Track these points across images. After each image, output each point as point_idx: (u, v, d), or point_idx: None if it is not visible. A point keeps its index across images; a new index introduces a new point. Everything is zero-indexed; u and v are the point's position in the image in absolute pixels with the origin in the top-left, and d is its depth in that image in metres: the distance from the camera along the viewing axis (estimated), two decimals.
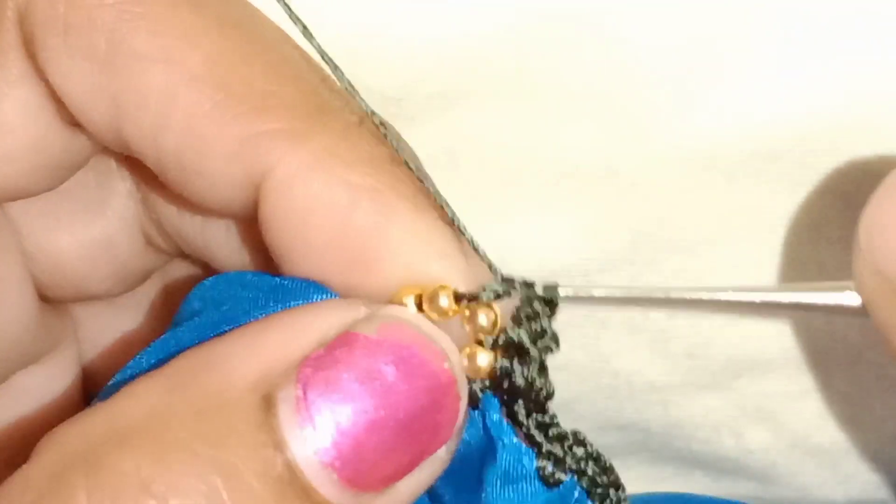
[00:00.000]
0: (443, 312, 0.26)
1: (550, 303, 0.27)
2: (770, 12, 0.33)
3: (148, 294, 0.35)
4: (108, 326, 0.35)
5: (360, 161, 0.26)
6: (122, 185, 0.32)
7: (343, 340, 0.24)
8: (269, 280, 0.27)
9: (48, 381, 0.33)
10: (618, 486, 0.28)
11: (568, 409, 0.38)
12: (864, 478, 0.39)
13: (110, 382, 0.28)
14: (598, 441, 0.38)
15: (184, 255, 0.33)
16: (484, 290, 0.26)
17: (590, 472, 0.27)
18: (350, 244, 0.26)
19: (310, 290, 0.26)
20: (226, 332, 0.25)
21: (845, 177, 0.34)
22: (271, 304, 0.27)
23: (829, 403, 0.38)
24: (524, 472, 0.27)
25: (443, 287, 0.26)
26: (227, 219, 0.30)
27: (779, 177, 0.35)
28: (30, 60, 0.28)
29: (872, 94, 0.33)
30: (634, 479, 0.39)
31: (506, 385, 0.27)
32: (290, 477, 0.23)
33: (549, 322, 0.27)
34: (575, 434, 0.27)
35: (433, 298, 0.26)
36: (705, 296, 0.27)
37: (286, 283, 0.27)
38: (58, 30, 0.27)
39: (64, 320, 0.34)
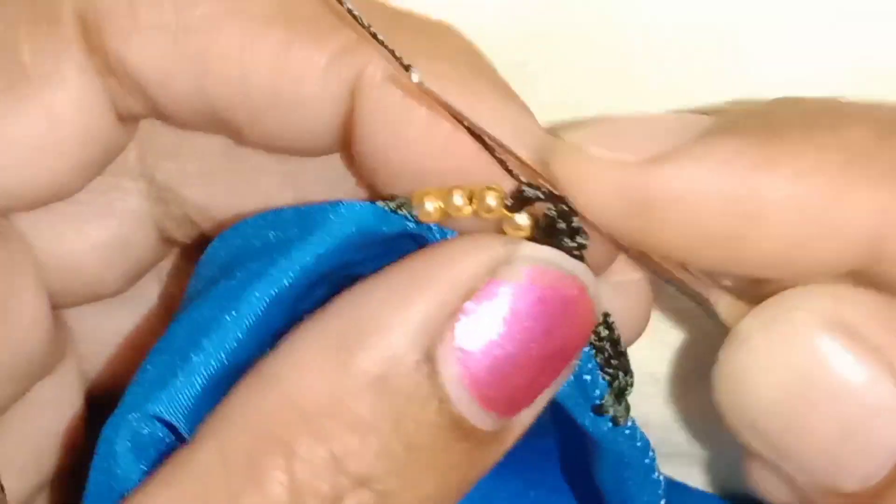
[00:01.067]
0: (487, 210, 0.27)
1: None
2: (768, 5, 0.33)
3: (139, 288, 0.34)
4: (105, 323, 0.35)
5: (439, 56, 0.28)
6: (132, 185, 0.32)
7: (491, 291, 0.25)
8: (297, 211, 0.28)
9: (59, 390, 0.33)
10: (627, 370, 0.29)
11: None
12: None
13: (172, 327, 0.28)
14: None
15: (200, 241, 0.33)
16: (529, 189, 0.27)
17: (606, 353, 0.29)
18: (442, 132, 0.27)
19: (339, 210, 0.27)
20: (365, 280, 0.26)
21: None
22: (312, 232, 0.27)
23: None
24: None
25: (490, 188, 0.27)
26: (269, 177, 0.31)
27: None
28: (89, 54, 0.29)
29: (877, 84, 0.33)
30: None
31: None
32: (456, 425, 0.25)
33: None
34: (606, 315, 0.29)
35: (481, 196, 0.27)
36: None
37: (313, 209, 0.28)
38: (124, 12, 0.28)
39: (62, 325, 0.34)
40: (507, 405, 0.26)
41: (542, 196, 0.27)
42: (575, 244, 0.28)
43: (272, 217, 0.29)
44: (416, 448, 0.25)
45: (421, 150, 0.28)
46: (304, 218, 0.28)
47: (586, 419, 0.29)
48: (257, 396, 0.25)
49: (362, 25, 0.27)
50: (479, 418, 0.25)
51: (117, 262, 0.33)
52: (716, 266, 0.27)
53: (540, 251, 0.26)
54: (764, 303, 0.27)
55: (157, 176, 0.32)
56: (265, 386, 0.25)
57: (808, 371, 0.26)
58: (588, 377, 0.28)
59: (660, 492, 0.30)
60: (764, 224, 0.26)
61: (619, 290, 0.30)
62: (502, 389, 0.25)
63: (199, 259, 0.30)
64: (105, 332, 0.35)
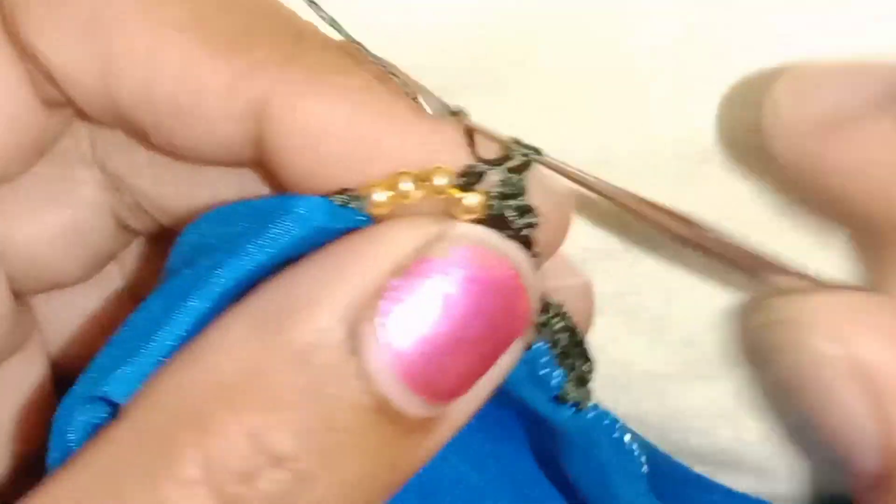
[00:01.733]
0: (438, 191, 0.27)
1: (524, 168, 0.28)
2: (767, 4, 0.33)
3: (107, 272, 0.35)
4: (69, 309, 0.35)
5: (350, 73, 0.27)
6: (86, 173, 0.32)
7: (419, 267, 0.25)
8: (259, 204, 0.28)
9: (22, 374, 0.33)
10: (586, 358, 0.29)
11: None
12: None
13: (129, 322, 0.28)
14: None
15: (160, 229, 0.33)
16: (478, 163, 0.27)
17: (562, 342, 0.28)
18: (357, 151, 0.27)
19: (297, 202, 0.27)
20: (296, 263, 0.26)
21: None
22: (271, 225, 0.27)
23: None
24: None
25: (438, 168, 0.27)
26: (218, 169, 0.30)
27: (778, 170, 0.34)
28: (7, 40, 0.29)
29: None
30: None
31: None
32: (381, 406, 0.24)
33: (528, 195, 0.28)
34: (559, 306, 0.29)
35: (429, 178, 0.27)
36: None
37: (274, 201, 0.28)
38: (39, 1, 0.28)
39: (26, 310, 0.34)
40: (438, 390, 0.25)
41: (492, 166, 0.27)
42: (524, 223, 0.27)
43: (231, 210, 0.29)
44: (339, 429, 0.24)
45: (343, 167, 0.28)
46: (259, 213, 0.28)
47: (549, 410, 0.29)
48: (178, 372, 0.25)
49: (382, 65, 0.27)
50: (406, 401, 0.25)
51: (75, 250, 0.32)
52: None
53: (472, 230, 0.26)
54: (803, 297, 0.28)
55: (108, 165, 0.32)
56: (187, 363, 0.25)
57: (812, 379, 0.27)
58: (544, 371, 0.28)
59: (635, 458, 0.30)
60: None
61: (561, 294, 0.29)
62: (431, 372, 0.25)
63: (171, 249, 0.30)
64: (72, 315, 0.35)
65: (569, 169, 0.29)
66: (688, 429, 0.38)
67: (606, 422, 0.29)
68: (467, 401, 0.26)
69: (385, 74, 0.28)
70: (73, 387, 0.27)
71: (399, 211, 0.27)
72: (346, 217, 0.27)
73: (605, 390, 0.37)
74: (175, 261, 0.30)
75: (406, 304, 0.25)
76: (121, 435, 0.25)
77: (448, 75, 0.33)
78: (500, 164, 0.28)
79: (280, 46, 0.28)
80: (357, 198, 0.27)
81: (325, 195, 0.27)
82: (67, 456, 0.26)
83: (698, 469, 0.40)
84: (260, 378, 0.24)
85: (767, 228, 0.35)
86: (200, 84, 0.27)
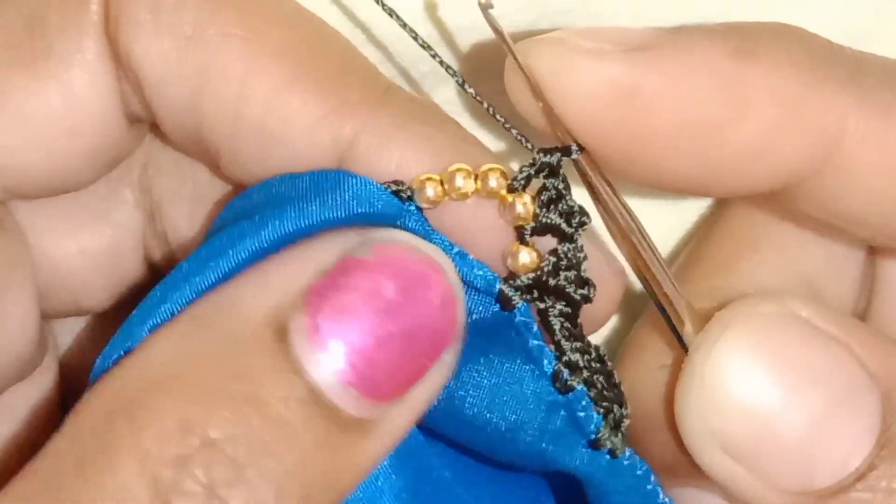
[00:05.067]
0: (462, 193, 0.28)
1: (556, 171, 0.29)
2: (768, 4, 0.33)
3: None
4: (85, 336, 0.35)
5: (435, 125, 0.28)
6: (130, 195, 0.33)
7: (342, 266, 0.26)
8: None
9: (35, 391, 0.33)
10: (622, 403, 0.29)
11: None
12: None
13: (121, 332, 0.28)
14: None
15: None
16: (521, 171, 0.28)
17: (599, 385, 0.28)
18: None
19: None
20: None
21: None
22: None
23: None
24: (541, 373, 0.28)
25: (492, 168, 0.28)
26: None
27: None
28: (108, 43, 0.29)
29: None
30: None
31: (545, 276, 0.28)
32: (313, 398, 0.25)
33: (571, 197, 0.28)
34: (597, 348, 0.29)
35: (451, 179, 0.28)
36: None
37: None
38: (146, 8, 0.28)
39: (48, 330, 0.34)
40: (372, 387, 0.25)
41: (544, 167, 0.28)
42: (581, 295, 0.28)
43: (290, 178, 0.29)
44: (272, 418, 0.25)
45: None
46: (316, 183, 0.28)
47: (584, 456, 0.29)
48: (118, 371, 0.25)
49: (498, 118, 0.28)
50: (340, 396, 0.25)
51: (105, 272, 0.32)
52: (692, 165, 0.27)
53: (393, 233, 0.27)
54: (718, 312, 0.28)
55: (153, 190, 0.32)
56: (123, 364, 0.26)
57: (767, 378, 0.27)
58: (582, 413, 0.28)
59: None
60: (748, 111, 0.26)
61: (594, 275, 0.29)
62: (362, 365, 0.25)
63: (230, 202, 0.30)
64: (87, 344, 0.35)
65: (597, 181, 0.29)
66: None
67: (640, 472, 0.29)
68: (403, 408, 0.26)
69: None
70: (112, 339, 0.27)
71: (445, 208, 0.28)
72: (394, 205, 0.28)
73: None
74: (226, 216, 0.30)
75: (332, 299, 0.25)
76: (58, 439, 0.25)
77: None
78: (551, 171, 0.28)
79: (372, 91, 0.28)
80: (406, 189, 0.28)
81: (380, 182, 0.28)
82: None
83: None
84: (190, 368, 0.25)
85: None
86: (291, 113, 0.28)
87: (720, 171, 0.27)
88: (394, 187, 0.28)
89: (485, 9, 0.28)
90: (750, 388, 0.27)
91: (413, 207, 0.28)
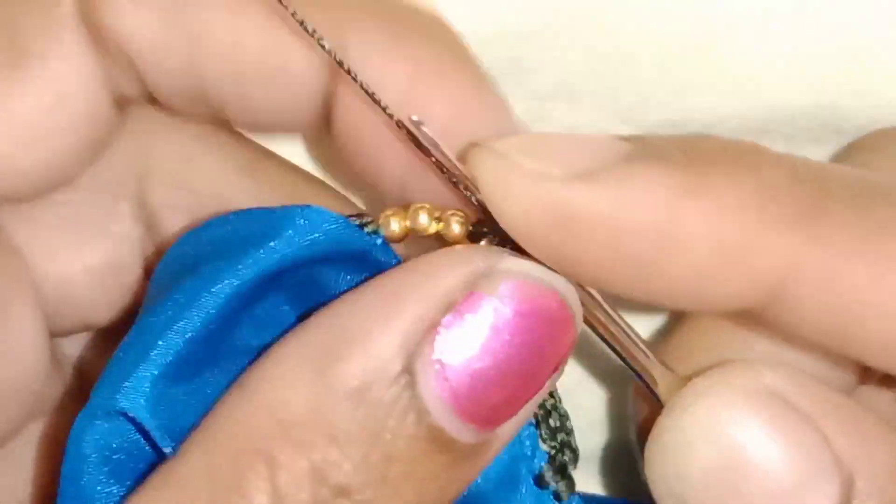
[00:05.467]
0: (452, 236, 0.28)
1: None
2: (767, 4, 0.33)
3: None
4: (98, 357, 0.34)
5: (417, 39, 0.28)
6: (126, 208, 0.32)
7: (470, 304, 0.25)
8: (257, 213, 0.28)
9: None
10: (573, 448, 0.29)
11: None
12: None
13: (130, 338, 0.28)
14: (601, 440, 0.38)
15: None
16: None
17: (549, 424, 0.29)
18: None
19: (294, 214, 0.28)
20: (344, 293, 0.26)
21: (835, 158, 0.35)
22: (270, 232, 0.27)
23: None
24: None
25: (455, 213, 0.28)
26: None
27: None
28: (88, 31, 0.29)
29: (866, 75, 0.34)
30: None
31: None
32: (436, 436, 0.25)
33: None
34: (551, 392, 0.29)
35: (444, 219, 0.28)
36: None
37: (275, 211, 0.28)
38: None
39: (62, 357, 0.33)
40: (487, 418, 0.26)
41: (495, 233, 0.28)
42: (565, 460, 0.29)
43: (240, 217, 0.29)
44: (395, 459, 0.25)
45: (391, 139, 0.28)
46: (271, 219, 0.28)
47: (530, 493, 0.29)
48: (240, 409, 0.25)
49: (339, 62, 0.27)
50: (459, 431, 0.25)
51: (108, 286, 0.32)
52: (628, 291, 0.27)
53: (520, 264, 0.26)
54: (694, 379, 0.28)
55: (149, 202, 0.32)
56: (248, 398, 0.25)
57: (731, 452, 0.27)
58: (528, 444, 0.29)
59: None
60: (680, 252, 0.26)
61: None
62: (482, 402, 0.26)
63: (161, 260, 0.30)
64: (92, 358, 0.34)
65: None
66: None
67: None
68: (512, 423, 0.27)
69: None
70: (88, 402, 0.27)
71: (410, 240, 0.28)
72: (358, 237, 0.28)
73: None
74: (170, 266, 0.29)
75: (458, 338, 0.25)
76: (187, 470, 0.25)
77: None
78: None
79: (357, 6, 0.28)
80: (371, 222, 0.28)
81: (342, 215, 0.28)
82: (82, 469, 0.27)
83: None
84: (320, 414, 0.25)
85: None
86: (285, 42, 0.28)
87: (659, 298, 0.27)
88: (358, 221, 0.28)
89: (417, 126, 0.28)
90: (710, 462, 0.27)
91: (379, 241, 0.28)
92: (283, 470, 0.25)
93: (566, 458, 0.29)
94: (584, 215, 0.26)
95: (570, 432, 0.29)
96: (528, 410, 0.27)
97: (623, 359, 0.29)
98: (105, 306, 0.32)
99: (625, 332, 0.29)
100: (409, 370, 0.25)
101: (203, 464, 0.25)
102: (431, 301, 0.25)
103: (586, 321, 0.28)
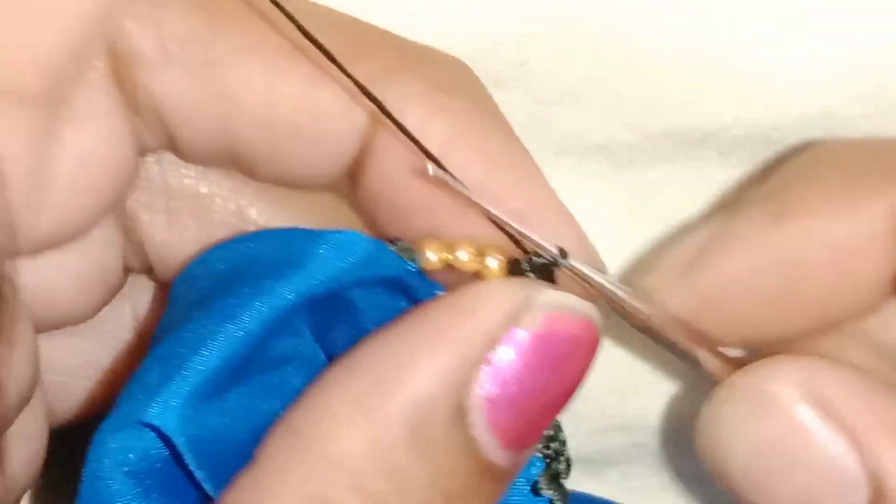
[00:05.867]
0: (490, 272, 0.28)
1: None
2: (767, 4, 0.33)
3: (109, 321, 0.34)
4: (76, 359, 0.34)
5: (453, 90, 0.29)
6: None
7: (513, 339, 0.26)
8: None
9: (28, 423, 0.31)
10: (566, 456, 0.29)
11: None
12: None
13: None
14: (602, 444, 0.37)
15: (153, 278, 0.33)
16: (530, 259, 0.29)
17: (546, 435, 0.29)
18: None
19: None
20: (386, 330, 0.26)
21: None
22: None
23: None
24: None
25: (493, 250, 0.28)
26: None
27: (774, 158, 0.35)
28: (118, 92, 0.29)
29: (869, 80, 0.34)
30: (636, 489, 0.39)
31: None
32: (484, 469, 0.26)
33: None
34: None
35: (482, 255, 0.28)
36: None
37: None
38: (153, 45, 0.28)
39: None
40: (524, 442, 0.27)
41: (539, 265, 0.28)
42: None
43: (277, 234, 0.29)
44: (452, 496, 0.26)
45: (431, 192, 0.28)
46: (308, 240, 0.28)
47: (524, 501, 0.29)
48: (296, 455, 0.26)
49: (377, 103, 0.27)
50: (502, 459, 0.26)
51: (90, 289, 0.32)
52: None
53: (557, 297, 0.27)
54: (748, 366, 0.29)
55: (127, 203, 0.32)
56: (302, 442, 0.26)
57: (783, 438, 0.28)
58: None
59: None
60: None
61: None
62: (520, 429, 0.26)
63: (179, 276, 0.30)
64: (73, 363, 0.34)
65: (591, 275, 0.29)
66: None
67: None
68: (536, 441, 0.28)
69: None
70: (110, 415, 0.27)
71: (445, 273, 0.29)
72: (394, 264, 0.28)
73: (613, 395, 0.37)
74: (191, 287, 0.29)
75: (502, 373, 0.26)
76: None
77: None
78: (544, 269, 0.28)
79: (392, 57, 0.29)
80: (408, 250, 0.28)
81: (379, 238, 0.28)
82: (104, 478, 0.26)
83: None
84: (379, 458, 0.25)
85: None
86: (323, 102, 0.28)
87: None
88: (394, 246, 0.28)
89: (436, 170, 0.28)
90: (733, 465, 0.28)
91: (414, 268, 0.28)
92: None
93: (560, 466, 0.29)
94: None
95: (563, 442, 0.29)
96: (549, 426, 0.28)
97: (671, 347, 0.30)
98: (86, 307, 0.32)
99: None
100: (459, 408, 0.25)
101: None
102: (476, 337, 0.26)
103: (639, 327, 0.30)
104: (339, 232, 0.28)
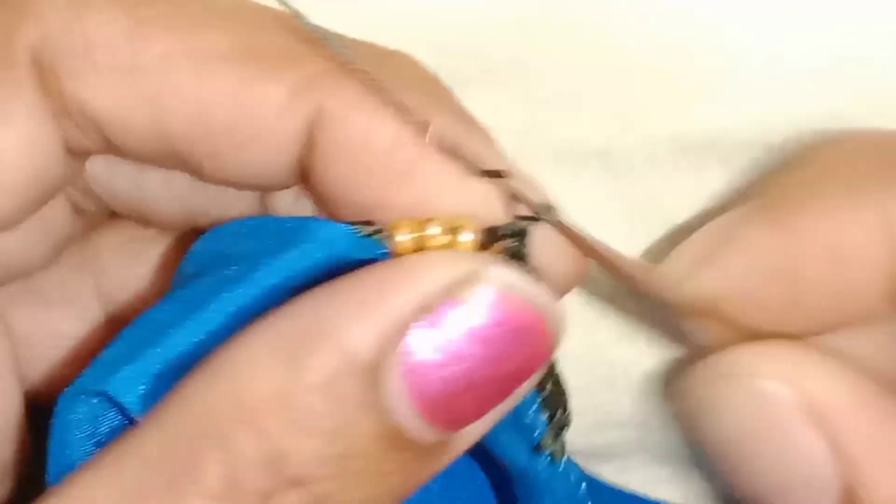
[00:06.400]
0: (463, 245, 0.27)
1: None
2: (771, 2, 0.33)
3: (81, 295, 0.35)
4: (47, 336, 0.34)
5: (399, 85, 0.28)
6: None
7: (447, 308, 0.25)
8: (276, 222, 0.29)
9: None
10: (566, 407, 0.29)
11: None
12: None
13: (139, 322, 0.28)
14: (598, 440, 0.38)
15: (112, 215, 0.33)
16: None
17: (547, 389, 0.29)
18: (403, 162, 0.28)
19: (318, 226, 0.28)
20: (324, 286, 0.26)
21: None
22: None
23: None
24: None
25: (465, 223, 0.27)
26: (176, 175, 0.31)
27: (774, 164, 0.35)
28: (43, 96, 0.29)
29: (871, 88, 0.34)
30: (634, 482, 0.39)
31: None
32: (398, 435, 0.25)
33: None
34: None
35: (455, 230, 0.27)
36: None
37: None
38: (81, 52, 0.28)
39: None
40: (451, 420, 0.26)
41: (516, 232, 0.28)
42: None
43: (254, 224, 0.29)
44: (355, 455, 0.25)
45: (383, 182, 0.28)
46: (282, 232, 0.28)
47: (524, 457, 0.29)
48: (203, 388, 0.25)
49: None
50: (420, 431, 0.25)
51: (35, 234, 0.32)
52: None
53: (505, 274, 0.26)
54: (741, 348, 0.29)
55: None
56: (212, 378, 0.25)
57: (766, 431, 0.28)
58: (530, 419, 0.29)
59: None
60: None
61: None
62: (448, 406, 0.25)
63: (184, 257, 0.30)
64: (46, 336, 0.34)
65: (577, 232, 0.29)
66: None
67: (573, 477, 0.30)
68: (478, 425, 0.26)
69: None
70: (76, 380, 0.27)
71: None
72: (367, 248, 0.28)
73: (608, 393, 0.38)
74: (189, 266, 0.30)
75: (429, 341, 0.25)
76: (142, 446, 0.25)
77: (447, 71, 0.33)
78: (522, 232, 0.28)
79: (327, 63, 0.28)
80: (379, 232, 0.28)
81: (350, 223, 0.28)
82: (68, 451, 0.27)
83: (697, 476, 0.40)
84: (284, 402, 0.25)
85: None
86: (257, 105, 0.28)
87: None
88: (365, 230, 0.28)
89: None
90: (716, 447, 0.29)
91: (382, 251, 0.28)
92: (240, 454, 0.24)
93: (562, 421, 0.29)
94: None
95: (563, 392, 0.29)
96: (495, 415, 0.26)
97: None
98: (35, 253, 0.32)
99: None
100: (377, 368, 0.25)
101: (159, 442, 0.25)
102: (408, 301, 0.25)
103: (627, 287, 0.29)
104: (311, 219, 0.28)
